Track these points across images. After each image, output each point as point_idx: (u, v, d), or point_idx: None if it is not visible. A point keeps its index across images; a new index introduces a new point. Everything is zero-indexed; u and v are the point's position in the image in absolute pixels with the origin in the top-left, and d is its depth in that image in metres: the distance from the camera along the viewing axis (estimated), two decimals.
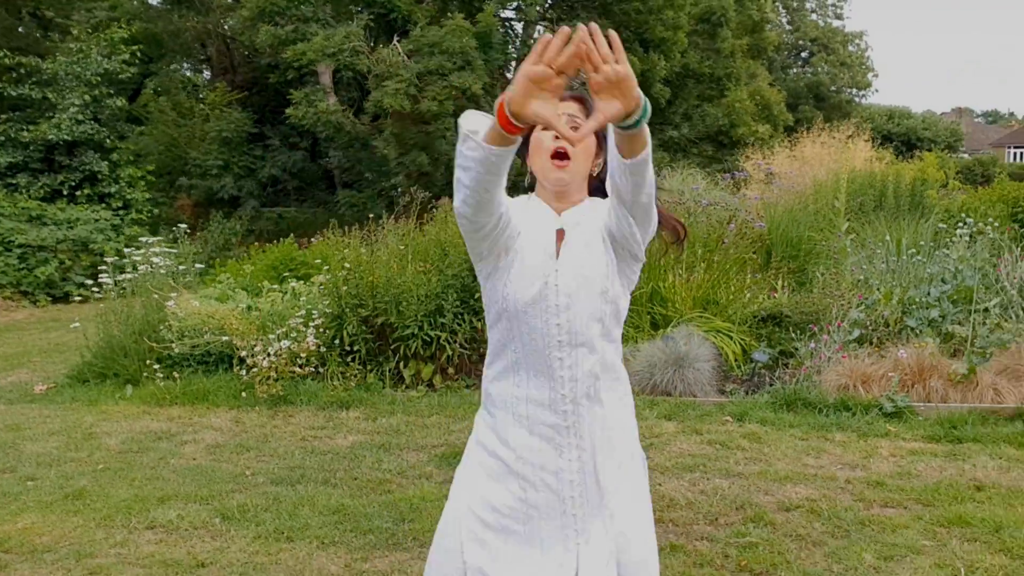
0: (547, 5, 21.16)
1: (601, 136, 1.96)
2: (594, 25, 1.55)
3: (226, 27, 24.31)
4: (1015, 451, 4.72)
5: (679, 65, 23.01)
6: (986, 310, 6.32)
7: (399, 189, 10.58)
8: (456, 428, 5.68)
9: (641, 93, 1.60)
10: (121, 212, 16.16)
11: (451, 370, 6.85)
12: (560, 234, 1.98)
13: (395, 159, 19.69)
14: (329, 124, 18.50)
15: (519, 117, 1.59)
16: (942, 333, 6.23)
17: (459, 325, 6.75)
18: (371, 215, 19.30)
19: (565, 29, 1.54)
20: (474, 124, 1.71)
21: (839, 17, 49.96)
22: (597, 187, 2.08)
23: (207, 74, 27.70)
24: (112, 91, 16.45)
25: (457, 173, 1.79)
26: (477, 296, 6.83)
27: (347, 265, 7.09)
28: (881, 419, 5.34)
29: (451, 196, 1.99)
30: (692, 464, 4.70)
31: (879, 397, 5.54)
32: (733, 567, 3.48)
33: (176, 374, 6.81)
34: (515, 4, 21.94)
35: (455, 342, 6.72)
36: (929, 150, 36.19)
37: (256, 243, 18.31)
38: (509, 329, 1.98)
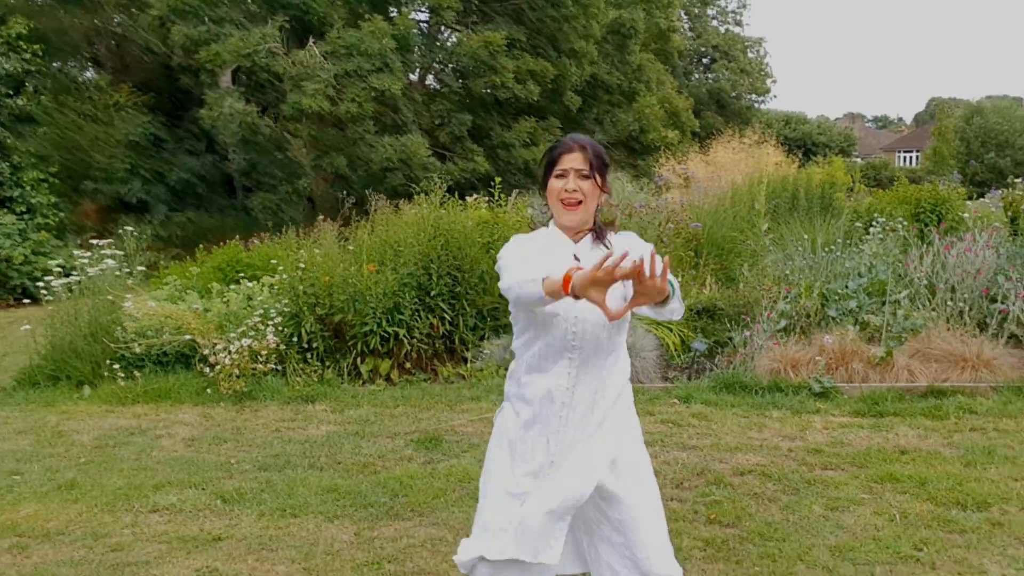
0: (462, 9, 21.66)
1: (604, 176, 2.53)
2: (651, 249, 2.19)
3: (116, 24, 23.89)
4: (930, 422, 5.47)
5: (589, 75, 23.83)
6: (897, 301, 7.13)
7: (344, 194, 10.85)
8: (423, 417, 6.12)
9: (668, 287, 2.21)
10: (26, 217, 15.91)
11: (408, 365, 7.29)
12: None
13: (312, 162, 19.88)
14: (245, 126, 18.55)
15: (578, 295, 2.16)
16: (859, 322, 7.01)
17: (416, 322, 7.19)
18: (287, 218, 19.27)
19: (626, 251, 2.10)
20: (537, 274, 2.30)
21: (739, 24, 51.95)
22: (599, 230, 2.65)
23: (91, 73, 27.07)
24: (11, 91, 16.17)
25: (518, 291, 2.36)
26: (433, 294, 7.30)
27: (302, 265, 7.45)
28: (811, 398, 6.04)
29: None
30: (650, 440, 5.28)
31: (808, 379, 6.25)
32: (703, 521, 4.06)
33: (137, 373, 7.03)
34: (427, 6, 22.35)
35: (413, 338, 7.16)
36: (824, 155, 38.02)
37: (165, 248, 18.24)
38: (535, 336, 2.52)
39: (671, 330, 7.16)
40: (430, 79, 23.37)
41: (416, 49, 20.34)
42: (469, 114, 20.99)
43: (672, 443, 5.23)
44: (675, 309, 2.38)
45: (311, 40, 19.36)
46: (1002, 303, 6.94)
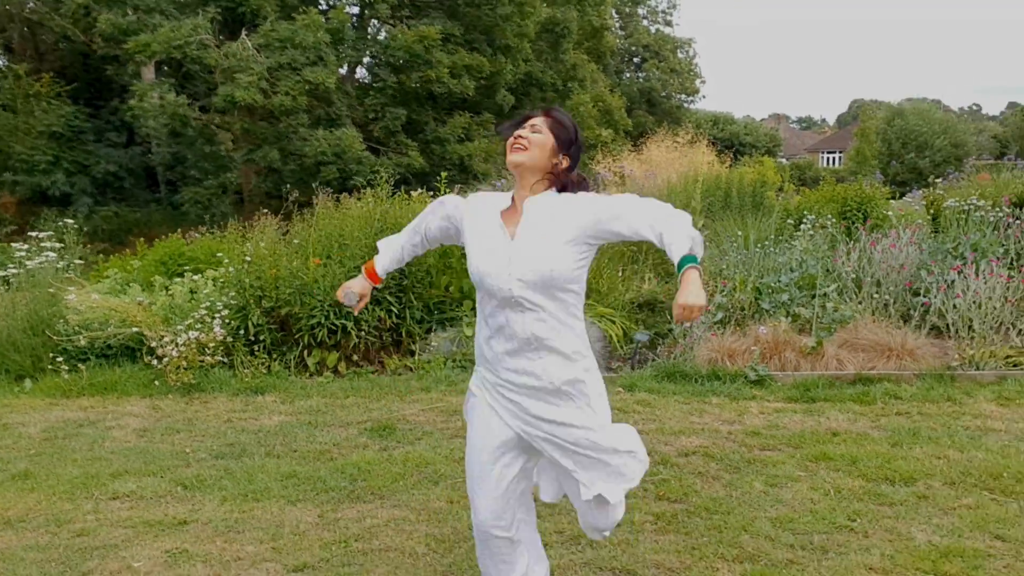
0: (396, 3, 21.72)
1: (563, 140, 2.76)
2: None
3: (30, 11, 23.31)
4: (858, 407, 5.85)
5: (523, 73, 24.13)
6: (826, 294, 7.54)
7: (287, 188, 10.89)
8: (374, 407, 6.28)
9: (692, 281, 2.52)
10: None
11: (356, 357, 7.43)
12: (508, 214, 2.74)
13: (244, 155, 19.74)
14: (176, 118, 18.35)
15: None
16: (791, 314, 7.40)
17: (364, 314, 7.33)
18: (217, 212, 19.22)
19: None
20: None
21: (669, 24, 52.91)
22: (563, 185, 2.86)
23: (2, 61, 26.31)
24: None
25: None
26: (380, 287, 7.44)
27: (248, 258, 7.53)
28: (747, 386, 6.39)
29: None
30: None
31: (744, 368, 6.60)
32: (653, 497, 4.33)
33: (81, 366, 7.03)
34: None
35: (361, 331, 7.31)
36: (751, 155, 38.98)
37: (91, 243, 17.88)
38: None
39: (614, 322, 7.45)
40: (364, 73, 23.39)
41: (350, 43, 20.34)
42: (403, 108, 21.10)
43: None
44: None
45: (243, 32, 19.24)
46: (924, 296, 7.40)
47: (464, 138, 21.70)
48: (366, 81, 22.78)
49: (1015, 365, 6.59)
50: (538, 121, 2.78)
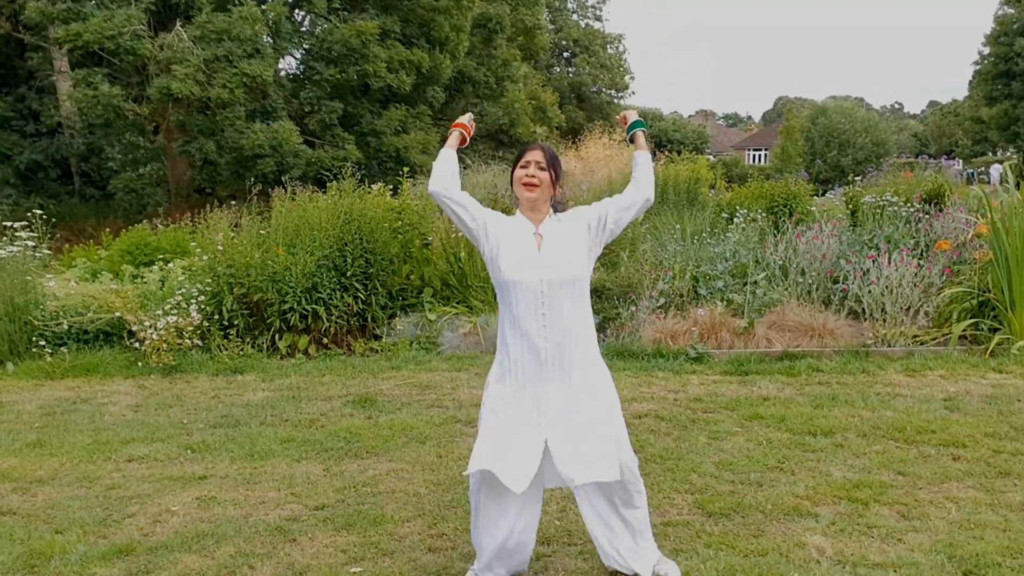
0: None
1: (558, 172, 3.55)
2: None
3: None
4: (785, 378, 6.80)
5: (456, 69, 24.84)
6: (756, 282, 8.51)
7: (252, 181, 11.43)
8: (351, 383, 7.00)
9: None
10: None
11: (325, 340, 8.13)
12: (538, 237, 3.51)
13: (179, 147, 20.04)
14: (109, 108, 18.56)
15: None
16: (726, 299, 8.35)
17: (334, 300, 8.03)
18: (152, 203, 19.36)
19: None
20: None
21: (599, 19, 54.16)
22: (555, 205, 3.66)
23: None
24: None
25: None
26: (349, 274, 8.17)
27: (220, 247, 8.15)
28: (688, 362, 7.29)
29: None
30: None
31: (684, 346, 7.51)
32: None
33: (63, 350, 7.58)
34: None
35: (332, 315, 8.01)
36: (679, 152, 40.24)
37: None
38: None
39: None
40: (293, 64, 23.80)
41: (286, 35, 20.78)
42: (339, 102, 21.61)
43: None
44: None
45: (178, 23, 19.53)
46: (843, 283, 8.42)
47: (401, 130, 22.31)
48: (299, 73, 23.19)
49: (921, 343, 7.65)
50: (540, 159, 3.50)
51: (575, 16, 53.82)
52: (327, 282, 7.99)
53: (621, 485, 3.46)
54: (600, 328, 8.19)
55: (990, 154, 47.19)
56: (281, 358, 7.93)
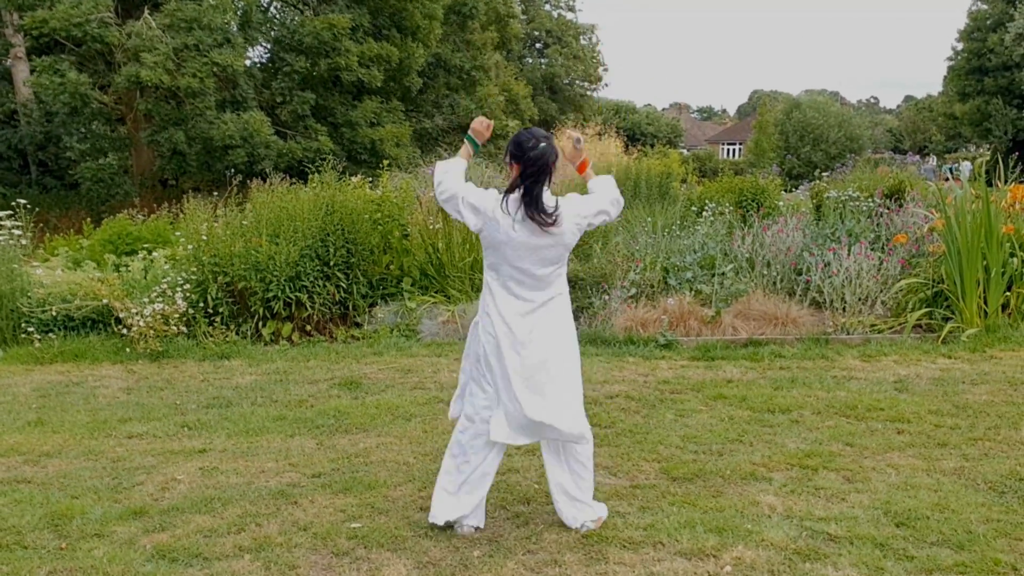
0: None
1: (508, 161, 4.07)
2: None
3: None
4: (749, 363, 7.38)
5: (431, 55, 25.34)
6: (724, 273, 9.10)
7: (231, 172, 11.85)
8: (336, 368, 7.48)
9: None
10: None
11: (308, 327, 8.61)
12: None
13: (148, 136, 20.33)
14: (76, 96, 18.84)
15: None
16: (694, 289, 8.92)
17: (317, 288, 8.51)
18: (120, 191, 19.66)
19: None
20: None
21: (571, 10, 54.69)
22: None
23: None
24: None
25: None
26: (332, 264, 8.65)
27: (204, 237, 8.59)
28: (658, 348, 7.85)
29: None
30: None
31: (654, 334, 8.07)
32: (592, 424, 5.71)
33: (51, 336, 8.00)
34: None
35: (315, 303, 8.48)
36: (652, 145, 40.91)
37: None
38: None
39: None
40: (267, 55, 24.13)
41: (257, 24, 21.14)
42: (311, 93, 22.02)
43: None
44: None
45: (146, 11, 19.83)
46: (806, 275, 9.01)
47: (375, 122, 22.76)
48: (268, 64, 23.55)
49: (879, 331, 8.26)
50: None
51: (548, 6, 54.32)
52: (310, 271, 8.47)
53: None
54: (575, 316, 8.73)
55: (963, 150, 48.39)
56: (265, 344, 8.39)
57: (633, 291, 8.81)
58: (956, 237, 8.24)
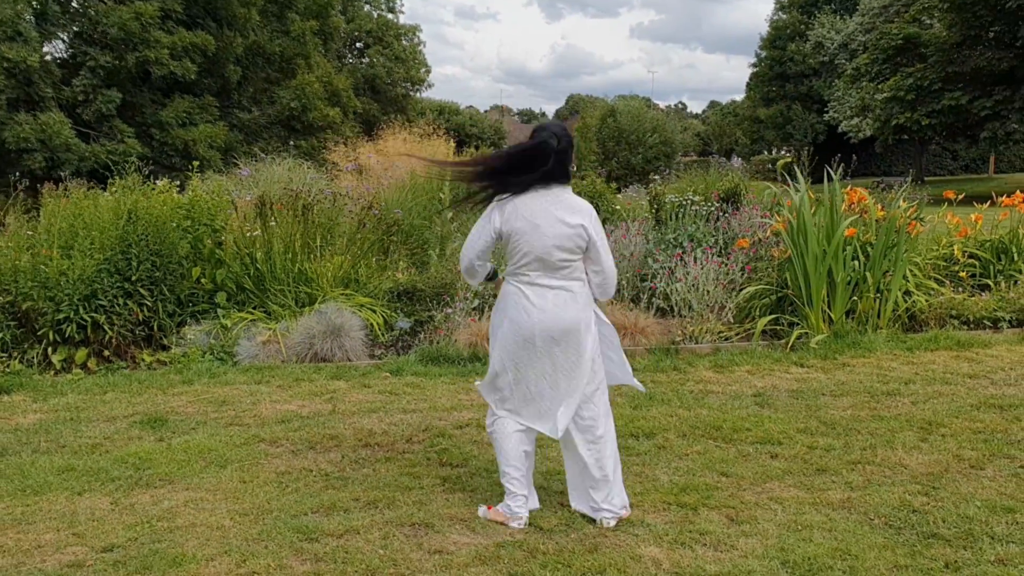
0: None
1: None
2: None
3: None
4: None
5: (251, 43, 23.86)
6: None
7: (16, 176, 10.36)
8: (138, 401, 6.40)
9: None
10: None
11: (107, 352, 7.43)
12: None
13: None
14: None
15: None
16: None
17: (116, 308, 7.35)
18: None
19: None
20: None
21: (392, 11, 53.71)
22: None
23: None
24: None
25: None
26: (135, 279, 7.50)
27: None
28: None
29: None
30: (374, 407, 6.09)
31: None
32: (437, 463, 4.96)
33: None
34: None
35: (114, 325, 7.32)
36: (477, 147, 40.56)
37: None
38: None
39: (375, 311, 7.99)
40: (67, 49, 22.04)
41: (54, 17, 19.19)
42: (118, 90, 20.19)
43: (393, 408, 6.08)
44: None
45: None
46: (651, 281, 8.59)
47: (187, 122, 21.13)
48: (69, 59, 21.49)
49: (726, 338, 7.91)
50: None
51: (368, 7, 53.11)
52: (109, 288, 7.31)
53: None
54: (412, 333, 7.96)
55: (766, 152, 50.62)
56: (55, 374, 7.19)
57: (476, 303, 8.11)
58: (799, 241, 7.99)
